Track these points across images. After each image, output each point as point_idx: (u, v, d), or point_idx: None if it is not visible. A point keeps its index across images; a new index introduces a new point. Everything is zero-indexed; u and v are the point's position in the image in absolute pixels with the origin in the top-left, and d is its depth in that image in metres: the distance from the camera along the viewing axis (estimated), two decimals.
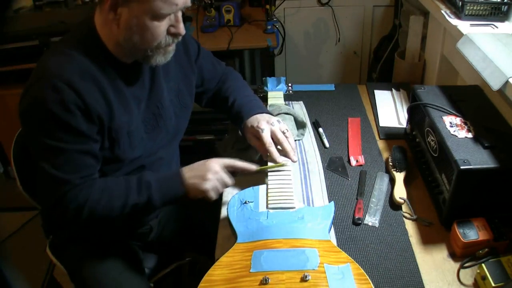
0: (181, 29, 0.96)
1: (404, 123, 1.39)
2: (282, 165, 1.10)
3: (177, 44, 1.02)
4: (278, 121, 1.15)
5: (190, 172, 1.00)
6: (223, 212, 1.09)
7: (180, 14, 0.96)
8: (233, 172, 1.05)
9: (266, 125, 1.12)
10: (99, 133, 0.97)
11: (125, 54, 0.98)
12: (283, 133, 1.13)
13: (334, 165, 1.25)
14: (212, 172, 1.00)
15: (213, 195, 1.01)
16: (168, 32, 0.95)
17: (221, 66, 1.30)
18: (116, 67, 0.99)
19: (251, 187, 1.07)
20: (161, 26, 0.93)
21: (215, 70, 1.28)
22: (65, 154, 0.93)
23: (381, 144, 1.34)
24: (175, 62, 1.11)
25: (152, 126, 1.09)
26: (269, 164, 1.11)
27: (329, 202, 1.05)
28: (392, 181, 1.17)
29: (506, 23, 1.31)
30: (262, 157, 1.18)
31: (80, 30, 0.99)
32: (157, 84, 1.08)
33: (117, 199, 0.98)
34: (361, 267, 0.84)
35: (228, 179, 1.02)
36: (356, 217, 1.06)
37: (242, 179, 1.17)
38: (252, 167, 1.07)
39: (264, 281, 0.81)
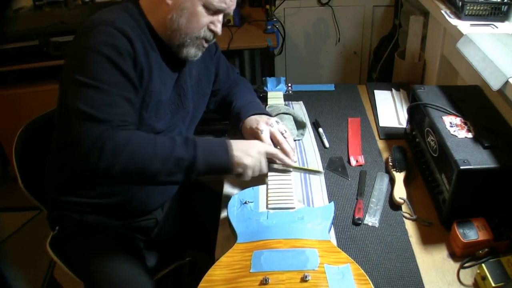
0: (219, 29, 1.05)
1: (404, 123, 1.39)
2: (319, 172, 1.16)
3: None
4: (277, 121, 1.16)
5: (235, 144, 1.00)
6: (223, 212, 1.09)
7: (221, 16, 1.05)
8: (270, 162, 1.07)
9: (265, 126, 1.13)
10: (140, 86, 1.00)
11: (165, 35, 1.04)
12: (282, 134, 1.13)
13: (334, 165, 1.25)
14: (257, 151, 1.01)
15: (249, 174, 1.01)
16: (208, 28, 1.04)
17: (234, 72, 1.36)
18: (157, 42, 1.04)
19: (251, 187, 1.07)
20: (206, 18, 1.02)
21: (228, 74, 1.33)
22: (107, 96, 0.92)
23: (381, 144, 1.34)
24: None
25: (176, 106, 1.12)
26: (308, 166, 1.17)
27: (329, 202, 1.05)
28: (392, 181, 1.17)
29: (506, 23, 1.31)
30: None
31: (124, 5, 1.04)
32: (183, 69, 1.14)
33: (161, 148, 0.92)
34: (361, 267, 0.84)
35: (266, 165, 1.03)
36: (356, 217, 1.06)
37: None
38: (292, 162, 1.09)
39: (264, 281, 0.81)
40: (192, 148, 0.95)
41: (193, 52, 1.06)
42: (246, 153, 0.99)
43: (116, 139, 0.90)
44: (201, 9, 1.00)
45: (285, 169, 1.11)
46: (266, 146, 1.06)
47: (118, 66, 0.93)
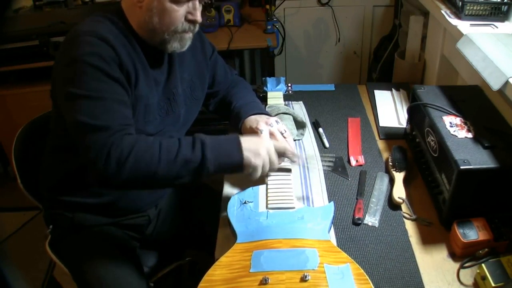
0: (198, 16, 1.03)
1: (404, 123, 1.39)
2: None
3: (195, 41, 1.11)
4: (277, 121, 1.16)
5: (246, 143, 0.99)
6: (223, 212, 1.09)
7: (197, 2, 1.02)
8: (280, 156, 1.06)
9: (265, 126, 1.13)
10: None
11: (147, 37, 1.04)
12: (282, 133, 1.13)
13: (334, 165, 1.25)
14: (266, 150, 0.99)
15: (259, 173, 0.99)
16: (186, 19, 1.02)
17: (232, 73, 1.36)
18: (141, 45, 1.04)
19: (251, 187, 1.07)
20: (179, 11, 1.00)
21: (226, 75, 1.33)
22: (103, 103, 0.93)
23: (381, 144, 1.34)
24: (192, 56, 1.14)
25: (165, 110, 1.12)
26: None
27: (329, 202, 1.05)
28: (392, 181, 1.17)
29: (506, 23, 1.31)
30: None
31: (108, 10, 1.04)
32: (173, 72, 1.13)
33: (167, 151, 0.92)
34: (361, 267, 0.84)
35: (276, 161, 1.02)
36: (356, 217, 1.06)
37: (242, 179, 1.17)
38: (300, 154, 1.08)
39: (264, 281, 0.81)
40: (199, 149, 0.94)
41: (177, 46, 1.05)
42: (255, 152, 0.98)
43: (120, 145, 0.90)
44: (169, 5, 0.98)
45: (287, 167, 1.10)
46: (274, 142, 1.04)
47: (106, 72, 0.94)
